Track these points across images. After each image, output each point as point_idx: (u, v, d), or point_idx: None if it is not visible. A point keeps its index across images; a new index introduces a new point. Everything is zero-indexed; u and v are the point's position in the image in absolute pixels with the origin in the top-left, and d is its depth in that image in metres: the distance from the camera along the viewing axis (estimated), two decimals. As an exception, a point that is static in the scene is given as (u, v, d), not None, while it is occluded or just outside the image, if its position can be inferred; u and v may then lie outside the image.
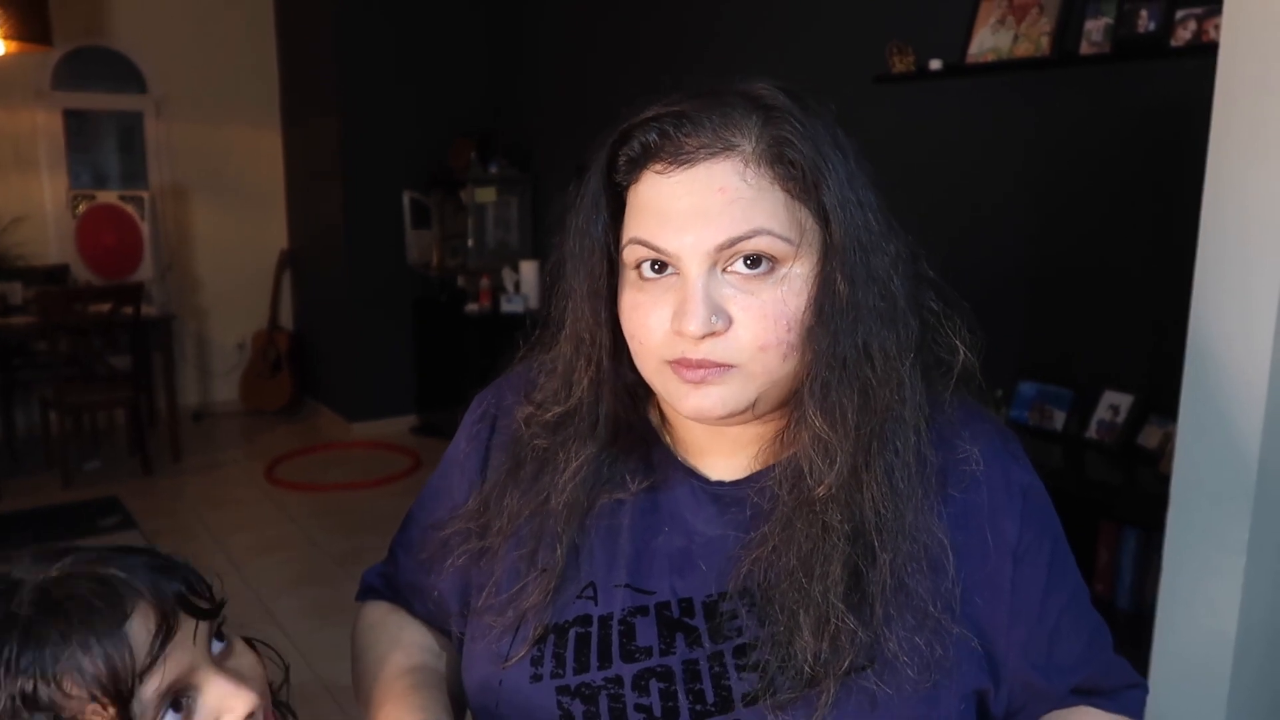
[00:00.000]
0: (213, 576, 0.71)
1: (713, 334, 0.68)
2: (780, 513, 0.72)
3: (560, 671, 0.74)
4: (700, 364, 0.69)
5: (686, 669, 0.72)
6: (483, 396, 0.90)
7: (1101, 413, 2.61)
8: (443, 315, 5.08)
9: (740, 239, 0.67)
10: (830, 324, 0.69)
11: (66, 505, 4.19)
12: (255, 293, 5.83)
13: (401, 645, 0.86)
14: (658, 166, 0.70)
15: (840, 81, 3.26)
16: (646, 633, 0.75)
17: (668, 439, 0.82)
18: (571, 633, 0.76)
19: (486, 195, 5.01)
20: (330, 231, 5.34)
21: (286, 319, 5.96)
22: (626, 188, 0.73)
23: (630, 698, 0.72)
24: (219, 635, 0.68)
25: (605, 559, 0.78)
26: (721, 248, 0.68)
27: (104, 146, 5.68)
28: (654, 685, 0.73)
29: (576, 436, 0.78)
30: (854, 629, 0.68)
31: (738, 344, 0.68)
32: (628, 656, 0.74)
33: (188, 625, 0.63)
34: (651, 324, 0.70)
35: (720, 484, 0.79)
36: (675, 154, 0.69)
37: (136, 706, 0.60)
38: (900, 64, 2.97)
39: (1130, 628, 2.36)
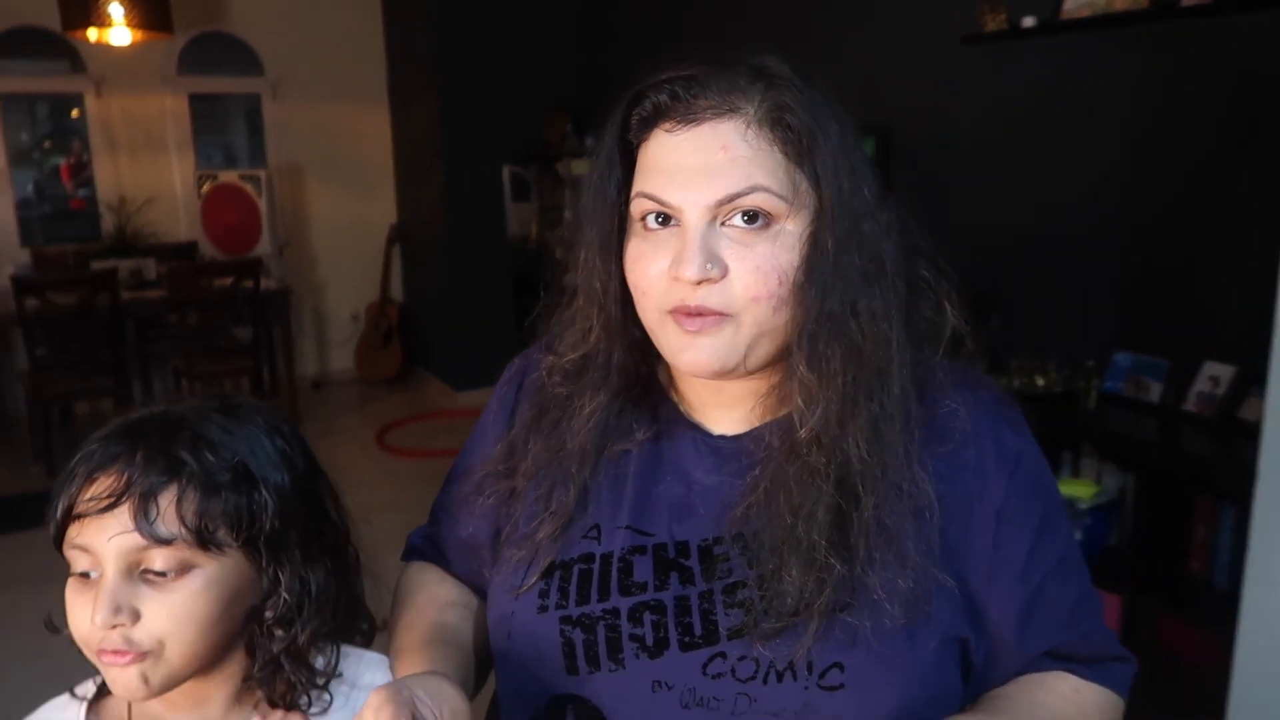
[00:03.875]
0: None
1: (708, 280, 0.73)
2: (773, 460, 0.77)
3: (564, 603, 0.81)
4: (698, 310, 0.74)
5: (678, 603, 0.78)
6: (512, 364, 0.98)
7: (1201, 384, 2.50)
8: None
9: (739, 194, 0.73)
10: (818, 281, 0.74)
11: (196, 467, 4.49)
12: (367, 267, 6.07)
13: (433, 603, 0.93)
14: (667, 125, 0.76)
15: (928, 43, 3.18)
16: (643, 570, 0.80)
17: (674, 396, 0.88)
18: (575, 569, 0.82)
19: (581, 167, 5.08)
20: (434, 206, 5.52)
21: (397, 291, 6.20)
22: (638, 146, 0.79)
23: (625, 628, 0.78)
24: (175, 574, 0.76)
25: (610, 503, 0.84)
26: (721, 202, 0.73)
27: (226, 128, 6.00)
28: (647, 617, 0.78)
29: (591, 385, 0.85)
30: (837, 567, 0.73)
31: (731, 293, 0.74)
32: (625, 591, 0.80)
33: (118, 524, 0.75)
34: (652, 272, 0.76)
35: (721, 438, 0.84)
36: (684, 114, 0.75)
37: (66, 538, 0.77)
38: (992, 22, 2.88)
39: (1229, 606, 2.28)
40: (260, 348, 5.03)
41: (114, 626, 0.74)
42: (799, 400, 0.76)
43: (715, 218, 0.74)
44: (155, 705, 0.83)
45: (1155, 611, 2.44)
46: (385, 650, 0.90)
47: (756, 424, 0.83)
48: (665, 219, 0.76)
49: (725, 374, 0.77)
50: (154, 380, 5.49)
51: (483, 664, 0.91)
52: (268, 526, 0.80)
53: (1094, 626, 0.82)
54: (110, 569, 0.74)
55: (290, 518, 0.82)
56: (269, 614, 0.82)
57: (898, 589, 0.73)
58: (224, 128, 6.09)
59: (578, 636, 0.79)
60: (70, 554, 0.76)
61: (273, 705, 0.84)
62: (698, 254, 0.73)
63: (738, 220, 0.74)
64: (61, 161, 5.65)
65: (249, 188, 5.37)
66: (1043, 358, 2.80)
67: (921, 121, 3.27)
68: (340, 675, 0.86)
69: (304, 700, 0.84)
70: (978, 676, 0.81)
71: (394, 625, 0.92)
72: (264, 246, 5.40)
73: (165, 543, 0.74)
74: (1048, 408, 2.63)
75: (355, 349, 6.16)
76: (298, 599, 0.83)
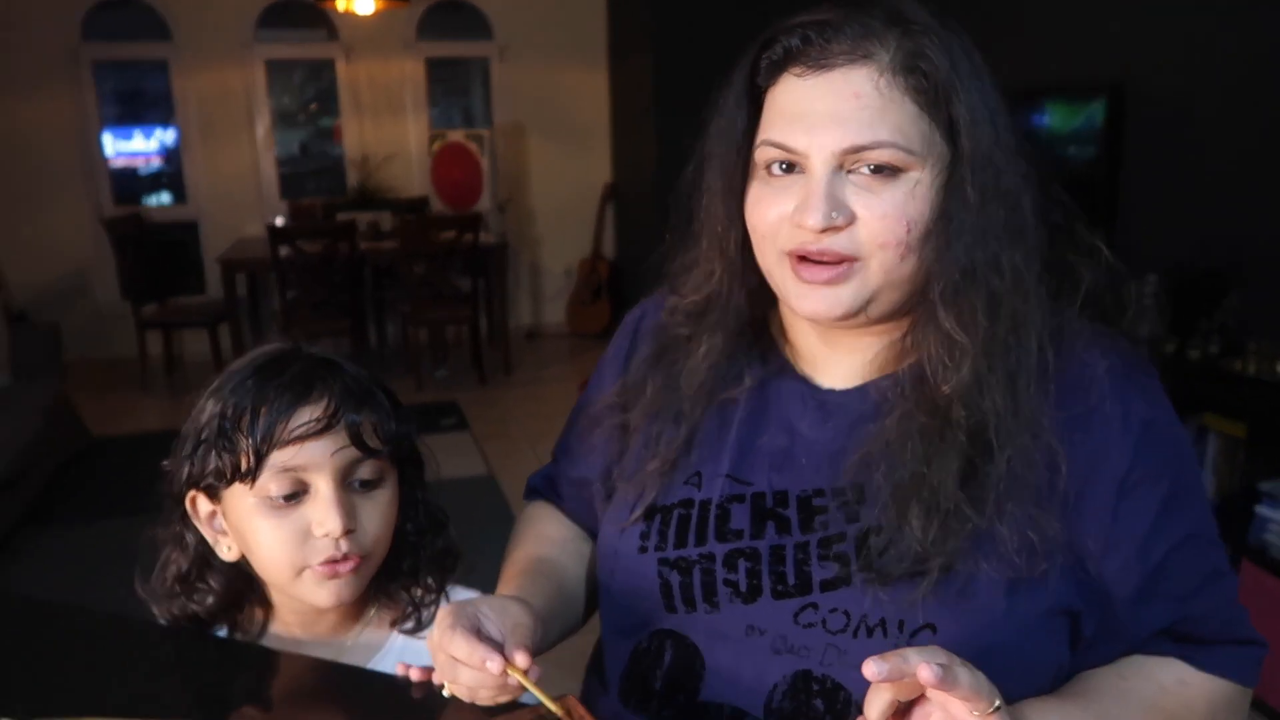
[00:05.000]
0: (435, 459, 0.95)
1: (833, 228, 0.72)
2: (900, 410, 0.76)
3: (663, 546, 0.83)
4: (820, 255, 0.74)
5: (773, 552, 0.79)
6: (630, 313, 1.00)
7: None
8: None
9: (865, 147, 0.71)
10: (961, 233, 0.72)
11: (417, 405, 4.83)
12: (581, 223, 6.29)
13: (537, 539, 0.98)
14: (796, 70, 0.74)
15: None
16: (740, 518, 0.82)
17: (784, 345, 0.88)
18: (675, 513, 0.84)
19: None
20: (644, 164, 5.62)
21: (609, 249, 6.38)
22: (765, 91, 0.78)
23: (720, 573, 0.80)
24: (377, 482, 0.87)
25: (713, 450, 0.85)
26: (848, 151, 0.72)
27: (456, 90, 6.37)
28: (741, 564, 0.79)
29: (708, 326, 0.85)
30: (967, 517, 0.71)
31: (858, 239, 0.73)
32: (721, 537, 0.81)
33: (335, 442, 0.83)
34: (772, 217, 0.76)
35: (830, 391, 0.84)
36: (816, 59, 0.73)
37: (267, 465, 0.82)
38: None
39: None
40: (479, 298, 5.35)
41: (346, 533, 0.84)
42: (938, 350, 0.74)
43: (841, 165, 0.73)
44: (290, 621, 0.92)
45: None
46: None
47: (867, 379, 0.82)
48: (790, 166, 0.75)
49: (845, 321, 0.76)
50: (386, 324, 5.97)
51: (592, 596, 0.96)
52: (411, 448, 0.91)
53: (1218, 605, 0.77)
54: (329, 483, 0.83)
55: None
56: (409, 526, 0.92)
57: (1026, 539, 0.72)
58: (449, 90, 6.46)
59: (674, 578, 0.82)
60: (273, 481, 0.83)
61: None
62: (823, 200, 0.72)
63: (864, 169, 0.72)
64: (334, 122, 6.19)
65: (474, 146, 5.69)
66: (1286, 342, 2.51)
67: (1162, 79, 2.98)
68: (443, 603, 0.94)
69: (409, 623, 0.93)
70: (1087, 648, 0.78)
71: (505, 560, 0.98)
72: (485, 202, 5.71)
73: (374, 454, 0.85)
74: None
75: (566, 303, 6.41)
76: (426, 517, 0.93)
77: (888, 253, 0.73)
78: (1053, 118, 3.25)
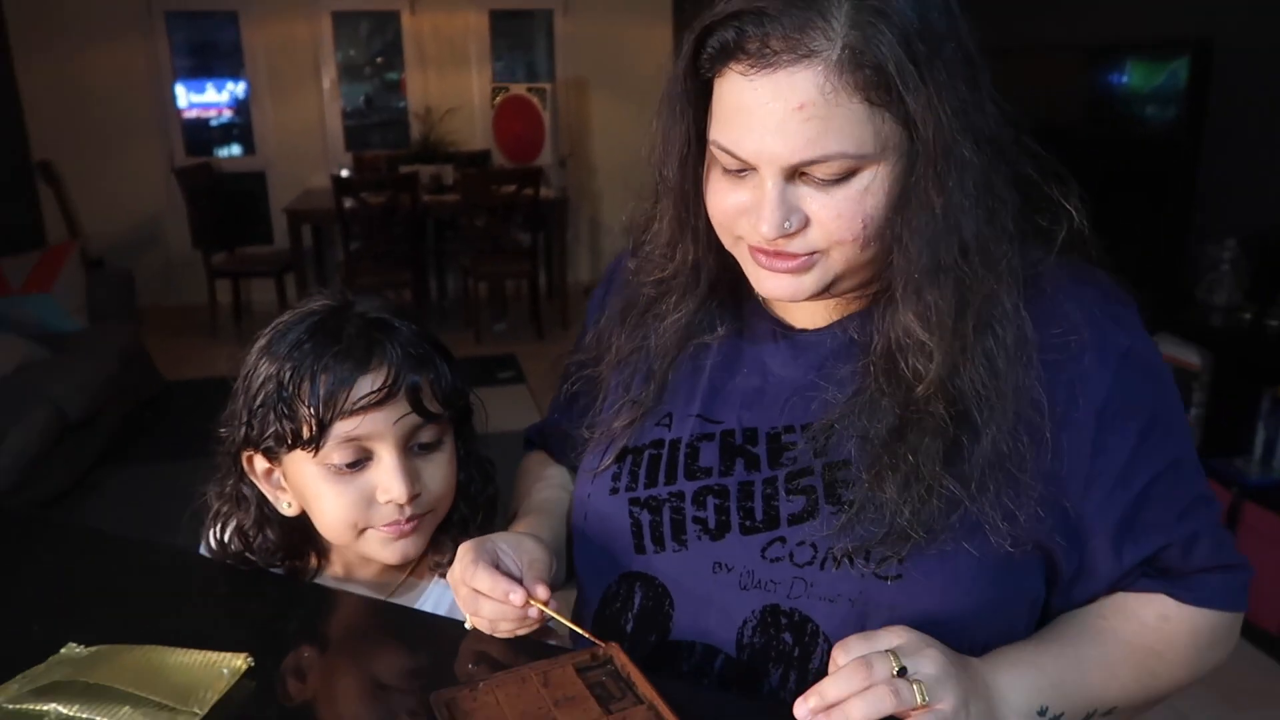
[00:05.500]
0: (485, 409, 0.96)
1: (787, 235, 0.71)
2: (873, 389, 0.75)
3: (634, 486, 0.84)
4: (779, 255, 0.73)
5: (741, 489, 0.80)
6: (609, 264, 1.01)
7: None
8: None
9: (816, 161, 0.68)
10: (922, 229, 0.69)
11: (475, 358, 4.93)
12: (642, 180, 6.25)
13: (536, 482, 1.01)
14: (739, 67, 0.69)
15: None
16: (709, 455, 0.82)
17: (757, 294, 0.84)
18: (646, 454, 0.85)
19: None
20: (708, 121, 5.54)
21: (668, 205, 6.34)
22: (713, 78, 0.73)
23: (689, 510, 0.81)
24: (437, 444, 0.89)
25: (685, 393, 0.86)
26: (795, 166, 0.69)
27: (520, 44, 6.34)
28: (710, 501, 0.80)
29: (678, 289, 0.85)
30: (951, 494, 0.71)
31: (813, 239, 0.71)
32: (690, 475, 0.82)
33: (397, 410, 0.84)
34: (728, 207, 0.75)
35: (802, 331, 0.84)
36: (757, 55, 0.68)
37: (331, 435, 0.83)
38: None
39: None
40: (538, 253, 5.37)
41: (413, 497, 0.86)
42: (906, 345, 0.72)
43: (792, 175, 0.70)
44: (342, 568, 0.96)
45: None
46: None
47: (835, 318, 0.82)
48: (742, 167, 0.73)
49: (810, 301, 0.76)
50: (446, 277, 6.04)
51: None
52: (465, 403, 0.93)
53: (1199, 530, 0.75)
54: (392, 451, 0.85)
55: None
56: (463, 477, 0.94)
57: (1006, 510, 0.71)
58: (512, 43, 6.43)
59: (645, 517, 0.82)
60: (336, 451, 0.84)
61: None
62: (775, 211, 0.70)
63: (817, 173, 0.69)
64: (399, 75, 6.22)
65: (536, 100, 5.68)
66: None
67: (1252, 36, 2.84)
68: None
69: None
70: (1066, 585, 0.77)
71: (511, 505, 1.01)
72: (546, 156, 5.71)
73: (435, 419, 0.87)
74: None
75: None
76: (477, 468, 0.95)
77: (845, 247, 0.71)
78: (1132, 76, 3.13)
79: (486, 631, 0.78)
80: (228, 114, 6.18)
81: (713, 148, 0.74)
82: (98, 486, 3.47)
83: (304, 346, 0.85)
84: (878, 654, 0.64)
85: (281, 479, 0.90)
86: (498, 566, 0.76)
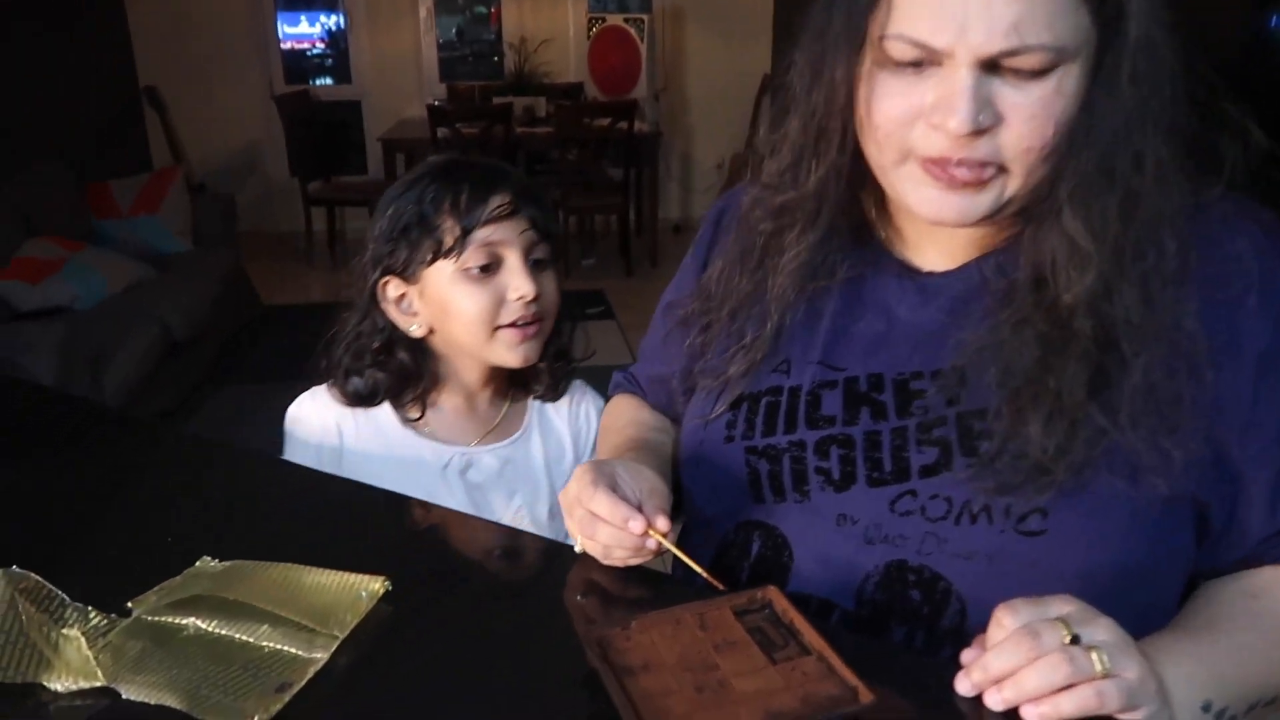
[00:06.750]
0: (585, 335, 1.15)
1: (977, 132, 0.65)
2: (1017, 313, 0.70)
3: (750, 434, 0.80)
4: (961, 163, 0.67)
5: (868, 438, 0.75)
6: (711, 208, 0.95)
7: None
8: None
9: (1014, 52, 0.63)
10: (1105, 128, 0.66)
11: (563, 292, 4.89)
12: (737, 117, 6.09)
13: (634, 424, 0.97)
14: None
15: None
16: (832, 404, 0.78)
17: (881, 232, 0.82)
18: (763, 401, 0.81)
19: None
20: (809, 55, 5.35)
21: (762, 143, 6.18)
22: None
23: (811, 460, 0.76)
24: (548, 262, 1.06)
25: (803, 339, 0.82)
26: (997, 55, 0.63)
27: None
28: (834, 451, 0.76)
29: (797, 224, 0.80)
30: (1098, 425, 0.66)
31: (1002, 143, 0.66)
32: (812, 424, 0.78)
33: (520, 224, 1.01)
34: (899, 114, 0.68)
35: (930, 274, 0.79)
36: None
37: (470, 241, 1.00)
38: None
39: None
40: (629, 188, 5.29)
41: (537, 296, 1.01)
42: (1060, 257, 0.68)
43: (990, 65, 0.64)
44: (449, 406, 1.09)
45: None
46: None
47: (970, 258, 0.77)
48: (921, 61, 0.66)
49: (974, 225, 0.71)
50: (537, 212, 6.00)
51: (677, 489, 0.92)
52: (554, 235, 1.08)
53: None
54: (518, 256, 1.01)
55: None
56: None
57: (1161, 450, 0.66)
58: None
59: (763, 466, 0.78)
60: (473, 256, 0.99)
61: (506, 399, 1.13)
62: (969, 103, 0.64)
63: (1016, 64, 0.64)
64: (492, 7, 6.15)
65: (632, 31, 5.54)
66: None
67: None
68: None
69: (547, 391, 1.12)
70: (1213, 544, 0.72)
71: (600, 449, 0.97)
72: (641, 89, 5.59)
73: (549, 236, 1.05)
74: None
75: (717, 196, 6.27)
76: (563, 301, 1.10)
77: (1032, 156, 0.66)
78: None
79: (598, 557, 0.74)
80: (322, 45, 6.20)
81: (889, 43, 0.67)
82: (200, 407, 3.57)
83: (439, 179, 1.02)
84: (1045, 620, 0.58)
85: (413, 302, 1.04)
86: (615, 491, 0.72)
